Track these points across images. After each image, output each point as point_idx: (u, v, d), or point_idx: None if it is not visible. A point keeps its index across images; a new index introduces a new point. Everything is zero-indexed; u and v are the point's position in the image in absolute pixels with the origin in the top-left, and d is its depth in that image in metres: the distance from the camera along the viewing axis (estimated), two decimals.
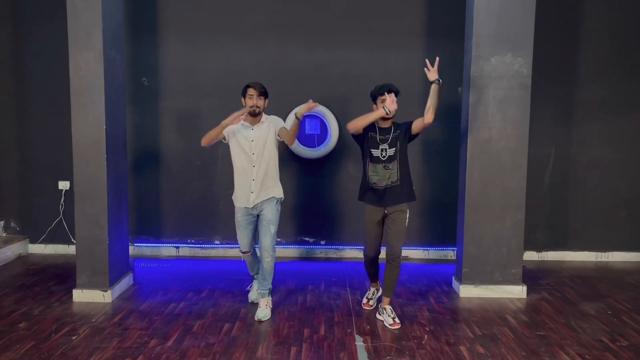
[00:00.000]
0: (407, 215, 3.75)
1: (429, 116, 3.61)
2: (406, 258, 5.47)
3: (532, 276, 4.85)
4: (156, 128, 5.37)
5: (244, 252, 4.04)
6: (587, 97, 5.35)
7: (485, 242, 4.31)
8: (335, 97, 5.31)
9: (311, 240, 5.52)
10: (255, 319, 3.79)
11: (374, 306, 4.03)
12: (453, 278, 4.60)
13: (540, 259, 5.49)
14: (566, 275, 4.96)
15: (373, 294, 4.10)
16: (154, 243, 5.50)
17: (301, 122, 5.25)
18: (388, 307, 3.78)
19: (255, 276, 4.19)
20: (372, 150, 3.71)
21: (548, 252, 5.50)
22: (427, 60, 3.73)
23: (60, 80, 5.11)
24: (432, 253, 5.52)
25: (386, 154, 3.68)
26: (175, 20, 5.28)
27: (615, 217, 5.47)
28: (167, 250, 5.51)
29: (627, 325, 3.77)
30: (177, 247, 5.51)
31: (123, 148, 4.40)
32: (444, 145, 5.33)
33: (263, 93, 3.81)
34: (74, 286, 4.18)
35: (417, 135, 3.75)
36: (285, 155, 5.29)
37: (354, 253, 5.51)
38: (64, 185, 5.42)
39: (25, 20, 5.33)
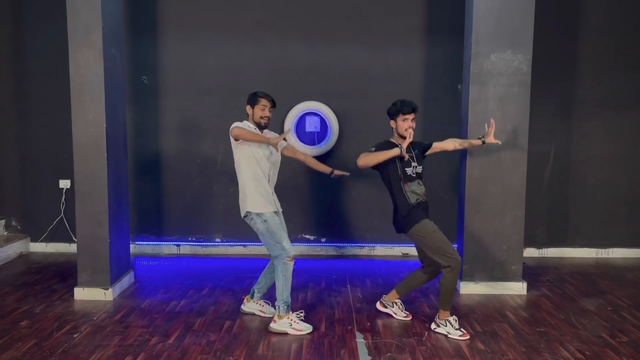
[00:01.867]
0: None
1: (451, 147, 3.88)
2: (407, 255, 5.49)
3: (532, 273, 4.86)
4: (156, 126, 5.37)
5: (293, 258, 3.58)
6: (587, 94, 5.35)
7: (485, 239, 4.32)
8: (335, 94, 5.31)
9: (312, 238, 5.52)
10: (272, 315, 3.75)
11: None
12: None
13: (540, 255, 5.50)
14: (566, 271, 4.97)
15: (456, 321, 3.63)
16: (154, 241, 5.51)
17: (301, 119, 5.31)
18: (399, 301, 3.85)
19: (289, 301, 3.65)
20: (406, 169, 3.55)
21: (548, 249, 5.51)
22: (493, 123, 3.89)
23: (60, 79, 5.12)
24: None
25: (415, 170, 3.61)
26: (175, 18, 5.28)
27: (615, 213, 5.48)
28: (168, 248, 5.52)
29: (627, 321, 3.77)
30: (178, 245, 5.52)
31: (123, 146, 4.41)
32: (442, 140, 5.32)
33: (274, 105, 3.67)
34: (75, 284, 4.19)
35: None
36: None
37: (355, 250, 5.52)
38: (64, 183, 5.44)
39: (25, 18, 5.34)
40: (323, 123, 5.32)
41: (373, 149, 3.56)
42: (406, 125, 3.50)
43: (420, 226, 3.51)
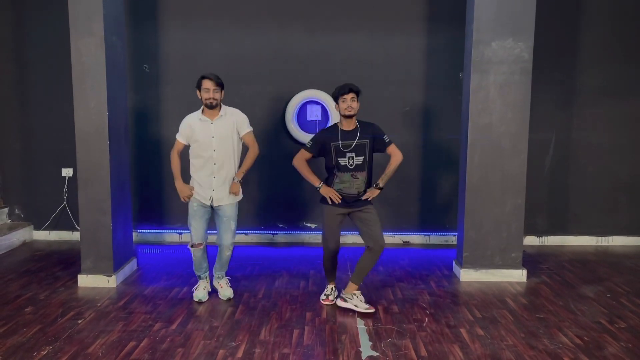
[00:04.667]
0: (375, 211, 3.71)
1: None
2: (407, 243, 5.52)
3: (532, 260, 4.89)
4: (158, 114, 5.38)
5: (195, 245, 3.84)
6: (588, 82, 5.34)
7: (485, 227, 4.34)
8: (336, 82, 5.19)
9: (312, 226, 5.55)
10: (223, 298, 3.89)
11: (334, 301, 3.82)
12: (454, 262, 4.64)
13: (540, 243, 5.53)
14: (566, 259, 5.00)
15: (332, 291, 3.88)
16: (156, 229, 5.54)
17: (302, 108, 5.32)
18: (358, 292, 3.75)
19: (201, 275, 3.99)
20: (339, 159, 3.61)
21: (548, 237, 5.53)
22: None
23: (62, 67, 5.12)
24: (433, 238, 5.55)
25: (353, 162, 3.61)
26: (176, 6, 5.26)
27: (616, 201, 5.49)
28: (169, 236, 5.55)
29: (625, 307, 3.81)
30: (180, 233, 5.55)
31: (125, 134, 4.43)
32: (444, 129, 5.34)
33: (220, 84, 3.64)
34: (79, 271, 4.23)
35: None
36: (286, 142, 5.31)
37: (355, 238, 5.54)
38: (67, 172, 5.46)
39: (25, 6, 5.32)
40: (324, 111, 5.32)
41: (310, 143, 3.70)
42: (345, 105, 3.57)
43: (325, 209, 3.70)
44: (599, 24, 5.28)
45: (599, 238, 5.52)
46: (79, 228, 4.36)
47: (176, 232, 5.54)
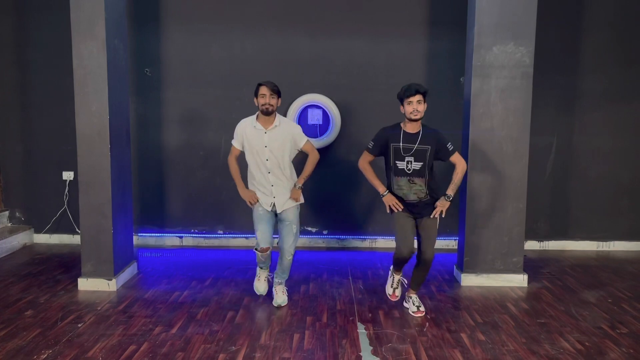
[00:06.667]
0: (439, 220, 3.68)
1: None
2: None
3: (533, 265, 4.87)
4: (159, 118, 5.38)
5: (262, 250, 3.75)
6: (590, 87, 5.34)
7: (486, 231, 4.34)
8: (337, 86, 5.31)
9: (314, 230, 5.55)
10: (275, 304, 3.86)
11: (400, 297, 3.89)
12: (454, 267, 4.63)
13: (541, 248, 5.51)
14: (567, 264, 4.99)
15: (398, 283, 3.86)
16: (157, 233, 5.54)
17: (303, 112, 5.32)
18: (414, 296, 3.82)
19: (262, 267, 4.00)
20: (397, 162, 3.57)
21: (549, 242, 5.52)
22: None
23: (63, 70, 5.13)
24: None
25: (411, 167, 3.55)
26: (178, 10, 5.27)
27: (617, 206, 5.48)
28: (170, 240, 5.55)
29: (627, 313, 3.79)
30: (181, 237, 5.55)
31: (126, 138, 4.43)
32: (445, 132, 5.32)
33: (276, 92, 3.65)
34: (79, 275, 4.22)
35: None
36: None
37: (356, 243, 5.55)
38: (68, 175, 5.46)
39: (27, 10, 5.34)
40: (325, 115, 5.32)
41: (371, 144, 3.66)
42: (410, 108, 3.48)
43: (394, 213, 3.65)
44: (600, 28, 5.28)
45: (601, 243, 5.51)
46: (79, 231, 4.36)
47: (177, 236, 5.54)
